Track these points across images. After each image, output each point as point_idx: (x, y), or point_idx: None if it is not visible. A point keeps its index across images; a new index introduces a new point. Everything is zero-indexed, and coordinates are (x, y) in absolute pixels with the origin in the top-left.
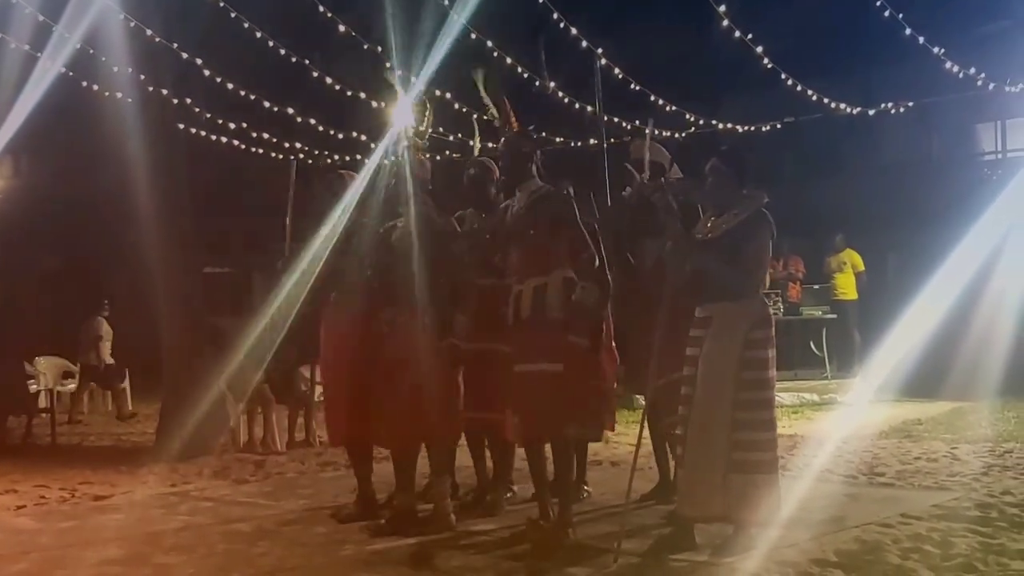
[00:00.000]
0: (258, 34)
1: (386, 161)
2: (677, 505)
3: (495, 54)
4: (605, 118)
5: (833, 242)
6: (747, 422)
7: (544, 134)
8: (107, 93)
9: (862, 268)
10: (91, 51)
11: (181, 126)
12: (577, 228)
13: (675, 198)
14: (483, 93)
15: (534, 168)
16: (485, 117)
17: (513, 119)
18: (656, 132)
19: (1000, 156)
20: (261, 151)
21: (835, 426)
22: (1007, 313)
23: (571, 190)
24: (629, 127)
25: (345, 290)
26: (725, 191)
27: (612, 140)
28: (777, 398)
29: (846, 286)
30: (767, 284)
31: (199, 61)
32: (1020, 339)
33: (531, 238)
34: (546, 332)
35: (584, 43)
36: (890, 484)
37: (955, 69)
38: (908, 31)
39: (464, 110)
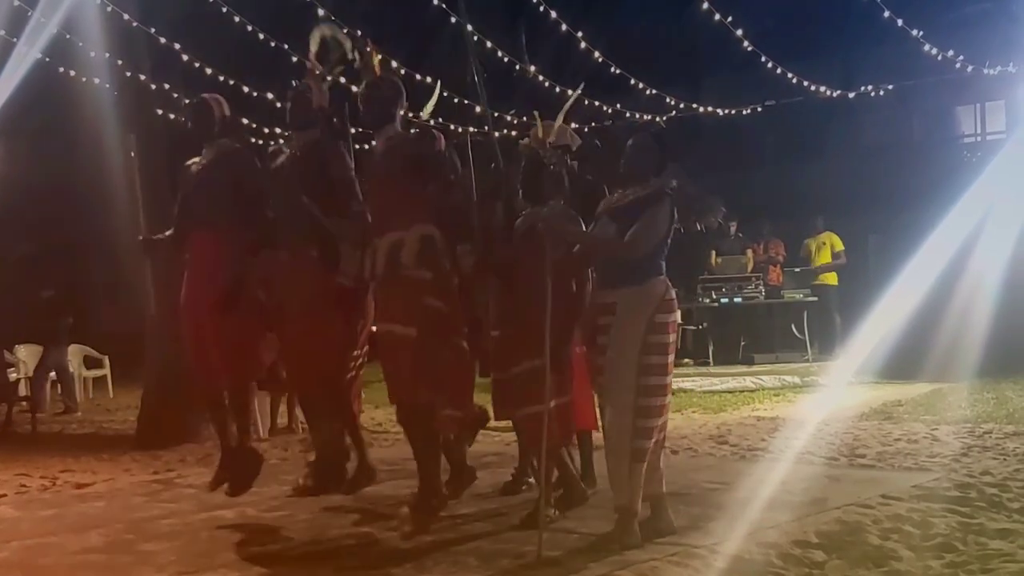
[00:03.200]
0: (236, 18)
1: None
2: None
3: (475, 37)
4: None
5: (813, 224)
6: (645, 409)
7: (525, 118)
8: (84, 79)
9: (840, 247)
10: (68, 36)
11: (159, 111)
12: (443, 177)
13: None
14: (338, 39)
15: (398, 113)
16: (348, 56)
17: (376, 63)
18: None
19: (980, 138)
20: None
21: (816, 408)
22: (986, 294)
23: (441, 138)
24: (610, 111)
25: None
26: (640, 166)
27: (593, 123)
28: (760, 381)
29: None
30: (709, 269)
31: (177, 46)
32: (999, 320)
33: (387, 188)
34: (400, 291)
35: (564, 26)
36: (871, 465)
37: (934, 52)
38: (887, 13)
39: (445, 93)
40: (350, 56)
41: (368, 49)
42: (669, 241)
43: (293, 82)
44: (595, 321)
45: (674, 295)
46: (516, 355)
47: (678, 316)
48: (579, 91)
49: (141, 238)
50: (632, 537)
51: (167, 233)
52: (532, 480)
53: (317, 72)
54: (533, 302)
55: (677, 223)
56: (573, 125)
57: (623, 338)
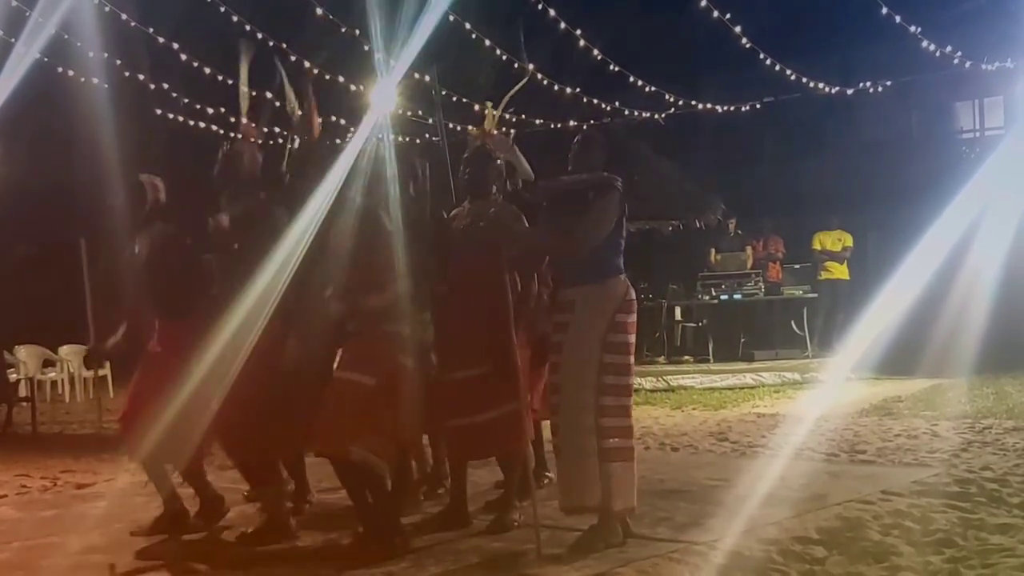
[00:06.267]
0: (235, 18)
1: None
2: (559, 497)
3: (473, 36)
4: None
5: (827, 221)
6: (610, 408)
7: (524, 116)
8: (83, 79)
9: (850, 244)
10: (66, 36)
11: (158, 111)
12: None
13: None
14: (287, 84)
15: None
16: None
17: (315, 120)
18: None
19: (978, 134)
20: (239, 136)
21: (816, 404)
22: (985, 289)
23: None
24: (608, 108)
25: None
26: (586, 160)
27: (591, 121)
28: (760, 377)
29: (840, 266)
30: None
31: (176, 46)
32: (998, 315)
33: (356, 254)
34: (374, 345)
35: (562, 25)
36: (871, 461)
37: (932, 48)
38: (885, 10)
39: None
40: (291, 110)
41: (310, 104)
42: (623, 238)
43: (224, 144)
44: (551, 318)
45: (634, 296)
46: (455, 362)
47: (635, 317)
48: (523, 83)
49: (90, 349)
50: (614, 536)
51: (118, 333)
52: (551, 475)
53: (252, 134)
54: (474, 304)
55: (677, 222)
56: (573, 123)
57: (583, 337)
